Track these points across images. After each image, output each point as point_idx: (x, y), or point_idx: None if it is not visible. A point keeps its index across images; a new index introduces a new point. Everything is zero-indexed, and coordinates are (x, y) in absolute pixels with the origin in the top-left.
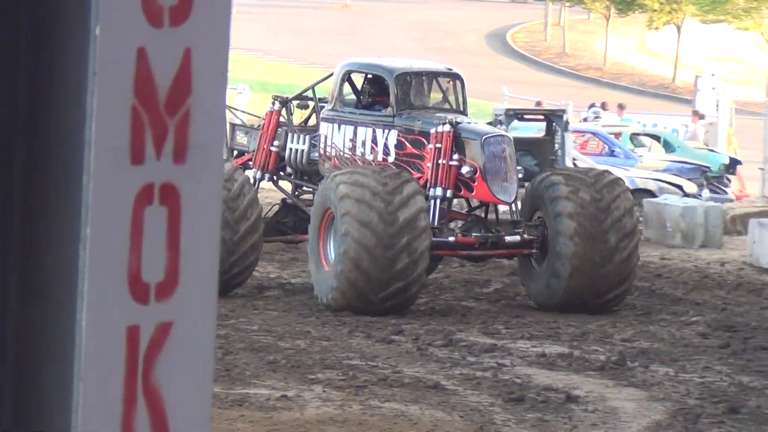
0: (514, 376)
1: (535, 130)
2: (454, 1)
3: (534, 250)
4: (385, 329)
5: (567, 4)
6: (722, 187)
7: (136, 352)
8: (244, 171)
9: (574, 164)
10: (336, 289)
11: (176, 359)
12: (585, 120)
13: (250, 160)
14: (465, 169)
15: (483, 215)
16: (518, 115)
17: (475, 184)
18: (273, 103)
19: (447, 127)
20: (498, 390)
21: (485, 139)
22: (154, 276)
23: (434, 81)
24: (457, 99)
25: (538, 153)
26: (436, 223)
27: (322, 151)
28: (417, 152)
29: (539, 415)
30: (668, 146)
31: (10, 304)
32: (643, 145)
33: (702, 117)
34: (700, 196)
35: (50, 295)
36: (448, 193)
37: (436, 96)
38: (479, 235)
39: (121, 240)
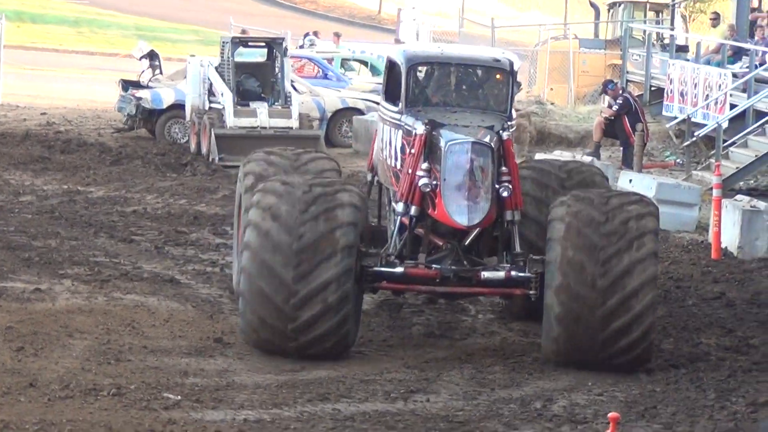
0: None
1: (258, 55)
2: None
3: (532, 291)
4: (125, 231)
5: None
6: None
7: None
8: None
9: (293, 86)
10: (241, 314)
11: None
12: (301, 47)
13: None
14: (422, 182)
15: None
16: (243, 42)
17: (437, 200)
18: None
19: (421, 129)
20: (226, 284)
21: (449, 145)
22: None
23: (471, 73)
24: (499, 97)
25: (261, 76)
26: (392, 248)
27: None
28: None
29: None
30: (374, 70)
31: None
32: (352, 69)
33: (401, 42)
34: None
35: None
36: (412, 210)
37: (473, 92)
38: (441, 267)
39: None
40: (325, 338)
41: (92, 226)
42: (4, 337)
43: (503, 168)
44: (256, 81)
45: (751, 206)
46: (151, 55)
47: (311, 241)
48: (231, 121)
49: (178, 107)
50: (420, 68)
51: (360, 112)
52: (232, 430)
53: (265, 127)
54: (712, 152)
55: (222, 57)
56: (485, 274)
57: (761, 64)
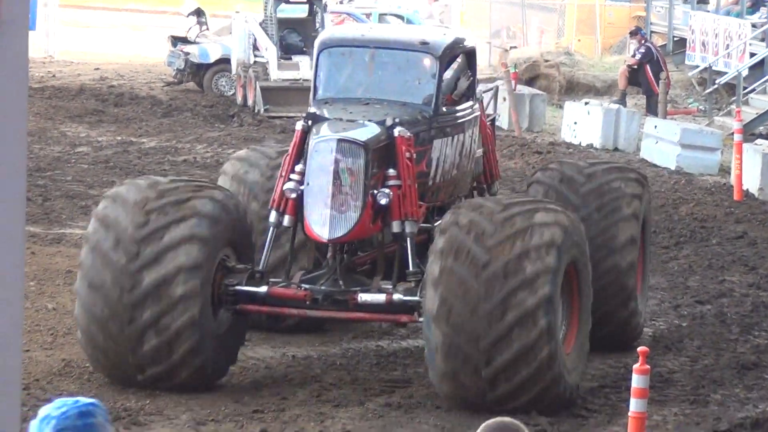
0: None
1: (299, 11)
2: None
3: (421, 319)
4: None
5: None
6: None
7: None
8: None
9: None
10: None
11: None
12: (341, 2)
13: None
14: (286, 186)
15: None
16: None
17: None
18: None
19: (298, 125)
20: None
21: (315, 143)
22: None
23: (393, 59)
24: (424, 86)
25: (303, 30)
26: (262, 264)
27: None
28: None
29: None
30: (410, 24)
31: None
32: (388, 23)
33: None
34: None
35: None
36: (285, 220)
37: (393, 81)
38: (312, 288)
39: None
40: (175, 371)
41: (145, 174)
42: (64, 281)
43: (390, 171)
44: (298, 35)
45: None
46: (198, 12)
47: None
48: (275, 73)
49: (224, 61)
50: (336, 52)
51: None
52: (281, 366)
53: (307, 79)
54: (733, 99)
55: (265, 13)
56: (363, 297)
57: None
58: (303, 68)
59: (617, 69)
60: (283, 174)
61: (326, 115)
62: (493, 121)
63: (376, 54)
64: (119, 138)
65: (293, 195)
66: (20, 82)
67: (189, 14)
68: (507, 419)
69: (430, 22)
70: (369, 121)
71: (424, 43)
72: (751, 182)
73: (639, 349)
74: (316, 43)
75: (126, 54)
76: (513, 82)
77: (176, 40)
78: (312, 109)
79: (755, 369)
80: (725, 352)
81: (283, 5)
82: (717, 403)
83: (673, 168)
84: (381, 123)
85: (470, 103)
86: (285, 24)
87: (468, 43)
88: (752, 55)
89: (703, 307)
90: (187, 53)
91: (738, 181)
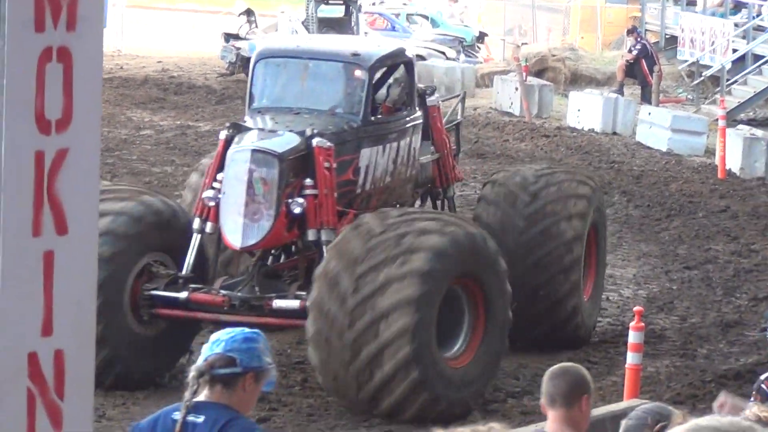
0: None
1: (336, 11)
2: None
3: None
4: None
5: None
6: (474, 53)
7: (42, 170)
8: None
9: (365, 34)
10: None
11: (71, 175)
12: (373, 3)
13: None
14: (205, 194)
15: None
16: (324, 0)
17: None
18: None
19: (222, 135)
20: None
21: (232, 153)
22: (54, 114)
23: (325, 70)
24: (353, 97)
25: (339, 28)
26: (186, 269)
27: None
28: None
29: None
30: (434, 23)
31: None
32: (415, 23)
33: (456, 0)
34: (458, 59)
35: None
36: (208, 227)
37: (324, 91)
38: (230, 294)
39: (29, 88)
40: (98, 377)
41: (201, 154)
42: None
43: (308, 180)
44: (336, 33)
45: (750, 134)
46: (248, 12)
47: None
48: None
49: None
50: (272, 63)
51: (422, 58)
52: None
53: None
54: (717, 89)
55: (307, 13)
56: (277, 303)
57: (758, 15)
58: None
59: (616, 63)
60: (206, 182)
61: (250, 124)
62: (458, 125)
63: (309, 65)
64: (178, 122)
65: (212, 203)
66: (95, 73)
67: (240, 14)
68: (569, 364)
69: (452, 21)
70: (290, 131)
71: (356, 55)
72: (734, 162)
73: (635, 309)
74: (254, 53)
75: (184, 49)
76: (524, 74)
77: (228, 37)
78: (247, 118)
79: (737, 327)
80: (711, 312)
81: (322, 6)
82: (703, 356)
83: (664, 150)
84: (301, 133)
85: (408, 111)
86: (324, 23)
87: (407, 54)
88: (734, 51)
89: (691, 272)
90: (238, 48)
91: (722, 161)
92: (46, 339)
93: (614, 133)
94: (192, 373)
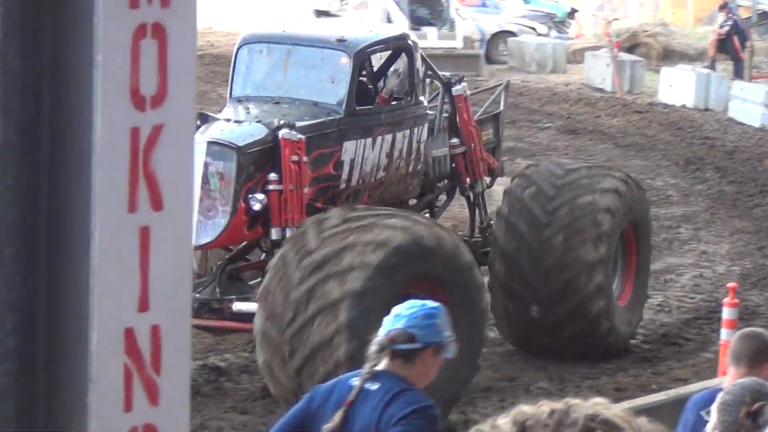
0: None
1: None
2: None
3: None
4: None
5: None
6: (565, 29)
7: (138, 146)
8: None
9: (457, 13)
10: None
11: (166, 150)
12: None
13: None
14: None
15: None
16: None
17: None
18: None
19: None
20: None
21: (200, 147)
22: (149, 90)
23: (309, 57)
24: (336, 85)
25: (430, 5)
26: None
27: None
28: None
29: None
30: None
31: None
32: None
33: None
34: (549, 35)
35: (70, 289)
36: None
37: (308, 79)
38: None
39: (123, 64)
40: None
41: None
42: None
43: (272, 175)
44: (427, 9)
45: None
46: None
47: None
48: None
49: None
50: (255, 49)
51: (513, 34)
52: None
53: (434, 48)
54: None
55: None
56: (237, 306)
57: None
58: (430, 38)
59: (707, 38)
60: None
61: (227, 115)
62: (497, 116)
63: (292, 51)
64: None
65: None
66: (190, 49)
67: None
68: (760, 329)
69: None
70: (258, 122)
71: (341, 41)
72: None
73: (729, 285)
74: (237, 39)
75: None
76: (615, 50)
77: (320, 13)
78: (226, 108)
79: None
80: None
81: None
82: None
83: (757, 126)
84: (269, 124)
85: (408, 101)
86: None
87: (408, 41)
88: None
89: None
90: None
91: None
92: (143, 314)
93: (706, 109)
94: (374, 347)
